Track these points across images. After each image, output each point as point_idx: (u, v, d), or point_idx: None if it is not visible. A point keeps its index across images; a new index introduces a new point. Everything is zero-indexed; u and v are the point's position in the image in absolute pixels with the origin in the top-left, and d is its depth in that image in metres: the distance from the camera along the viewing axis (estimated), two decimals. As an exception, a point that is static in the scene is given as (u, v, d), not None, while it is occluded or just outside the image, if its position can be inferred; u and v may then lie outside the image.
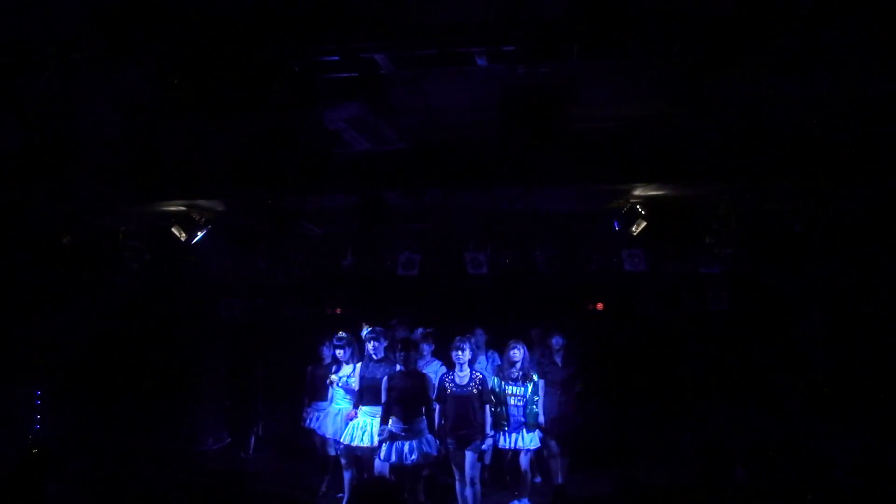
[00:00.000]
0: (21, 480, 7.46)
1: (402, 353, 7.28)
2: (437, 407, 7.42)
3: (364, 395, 7.66)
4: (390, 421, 7.16)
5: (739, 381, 10.25)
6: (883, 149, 5.91)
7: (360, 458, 7.83)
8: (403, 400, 7.13)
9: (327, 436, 8.36)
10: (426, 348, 8.44)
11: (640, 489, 7.38)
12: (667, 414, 10.55)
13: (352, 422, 7.70)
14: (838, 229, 7.26)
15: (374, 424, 7.45)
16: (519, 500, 8.09)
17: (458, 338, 7.51)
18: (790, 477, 8.28)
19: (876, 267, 7.74)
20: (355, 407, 7.75)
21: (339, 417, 8.11)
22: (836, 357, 7.56)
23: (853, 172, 6.23)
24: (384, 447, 7.14)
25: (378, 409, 7.35)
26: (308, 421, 8.69)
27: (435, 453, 7.26)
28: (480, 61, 3.80)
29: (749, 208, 7.25)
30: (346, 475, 8.00)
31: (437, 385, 7.54)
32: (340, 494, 8.25)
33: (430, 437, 7.27)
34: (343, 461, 7.99)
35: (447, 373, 7.59)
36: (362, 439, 7.56)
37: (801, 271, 8.71)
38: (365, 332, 8.08)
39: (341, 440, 7.79)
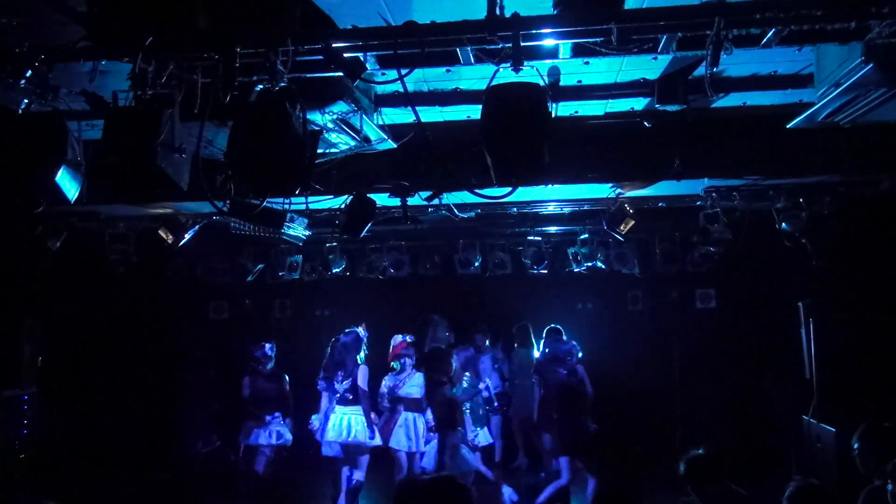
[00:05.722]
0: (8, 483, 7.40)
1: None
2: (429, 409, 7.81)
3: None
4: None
5: (727, 379, 10.29)
6: (868, 145, 5.94)
7: (352, 455, 7.85)
8: None
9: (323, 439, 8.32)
10: (408, 362, 8.15)
11: (627, 488, 7.37)
12: (654, 412, 10.56)
13: (330, 418, 7.77)
14: (825, 228, 7.30)
15: (353, 420, 7.62)
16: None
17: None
18: (777, 474, 8.31)
19: (863, 266, 7.79)
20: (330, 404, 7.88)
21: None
22: (824, 356, 7.60)
23: (841, 170, 6.27)
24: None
25: (356, 408, 7.64)
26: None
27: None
28: (466, 60, 3.80)
29: (737, 207, 7.28)
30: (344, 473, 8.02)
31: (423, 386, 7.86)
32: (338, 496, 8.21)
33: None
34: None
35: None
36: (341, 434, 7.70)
37: (788, 271, 8.75)
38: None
39: (325, 438, 7.84)
